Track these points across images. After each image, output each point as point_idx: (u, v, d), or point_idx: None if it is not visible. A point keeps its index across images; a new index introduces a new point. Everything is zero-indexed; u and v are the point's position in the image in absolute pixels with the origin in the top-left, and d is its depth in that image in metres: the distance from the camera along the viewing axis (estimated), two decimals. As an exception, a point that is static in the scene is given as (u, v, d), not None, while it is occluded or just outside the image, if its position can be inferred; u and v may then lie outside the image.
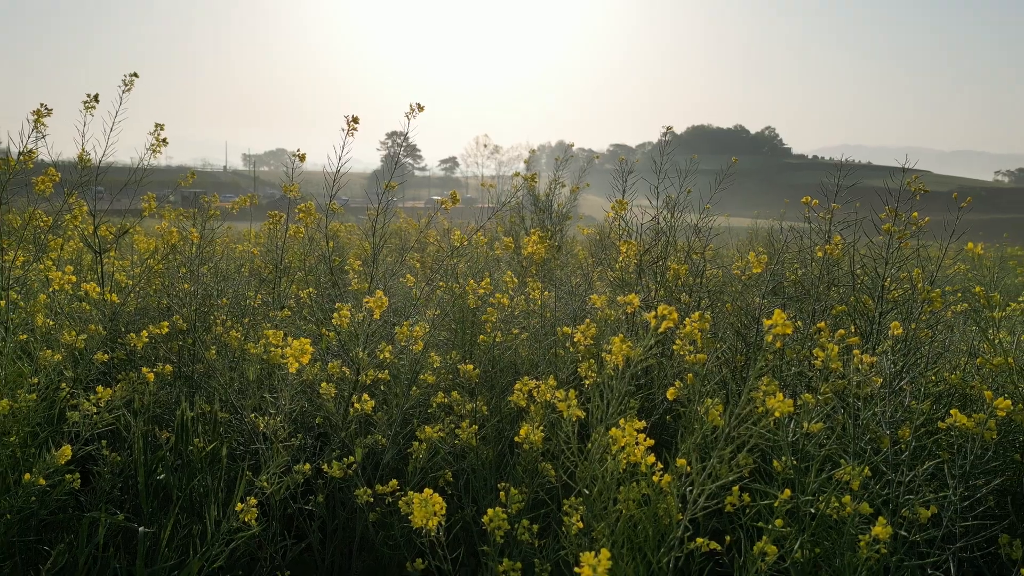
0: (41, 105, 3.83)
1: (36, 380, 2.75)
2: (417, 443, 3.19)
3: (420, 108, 4.12)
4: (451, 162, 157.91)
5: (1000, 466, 2.86)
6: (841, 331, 2.68)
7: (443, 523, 2.25)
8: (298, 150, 4.80)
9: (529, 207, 8.21)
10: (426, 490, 2.17)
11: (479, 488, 3.19)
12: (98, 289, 3.21)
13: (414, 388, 3.43)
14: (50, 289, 2.97)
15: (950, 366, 3.64)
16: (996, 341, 3.29)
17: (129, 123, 4.49)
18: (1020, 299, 5.39)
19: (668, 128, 5.85)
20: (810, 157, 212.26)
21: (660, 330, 2.14)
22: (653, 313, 2.14)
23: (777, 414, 1.98)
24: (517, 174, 8.49)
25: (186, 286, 4.39)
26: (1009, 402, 2.46)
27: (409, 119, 4.15)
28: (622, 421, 2.09)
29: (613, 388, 2.32)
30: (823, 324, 2.81)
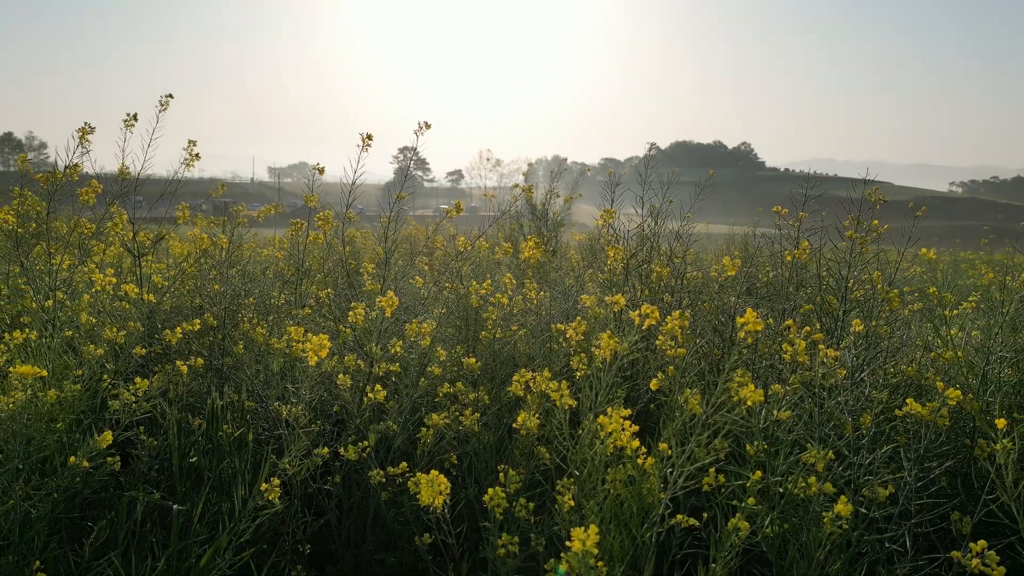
0: (85, 124, 3.83)
1: (80, 372, 2.75)
2: (425, 429, 3.19)
3: (427, 126, 4.13)
4: (457, 174, 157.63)
5: (951, 450, 2.87)
6: (807, 328, 2.69)
7: (448, 501, 2.25)
8: (317, 164, 4.82)
9: (527, 215, 8.22)
10: (432, 472, 2.18)
11: (481, 470, 3.19)
12: (136, 290, 3.21)
13: (422, 379, 3.43)
14: (93, 290, 2.97)
15: (907, 359, 3.63)
16: (948, 337, 3.30)
17: (164, 138, 4.49)
18: (971, 299, 5.38)
19: (653, 144, 5.85)
20: (782, 170, 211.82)
21: (644, 327, 2.14)
22: (637, 312, 2.14)
23: (749, 403, 1.98)
24: (516, 186, 8.49)
25: (216, 287, 4.39)
26: (959, 392, 2.46)
27: (418, 136, 4.16)
28: (610, 409, 2.09)
29: (601, 379, 2.32)
30: (791, 322, 2.81)
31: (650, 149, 5.61)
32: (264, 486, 2.70)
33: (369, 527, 3.33)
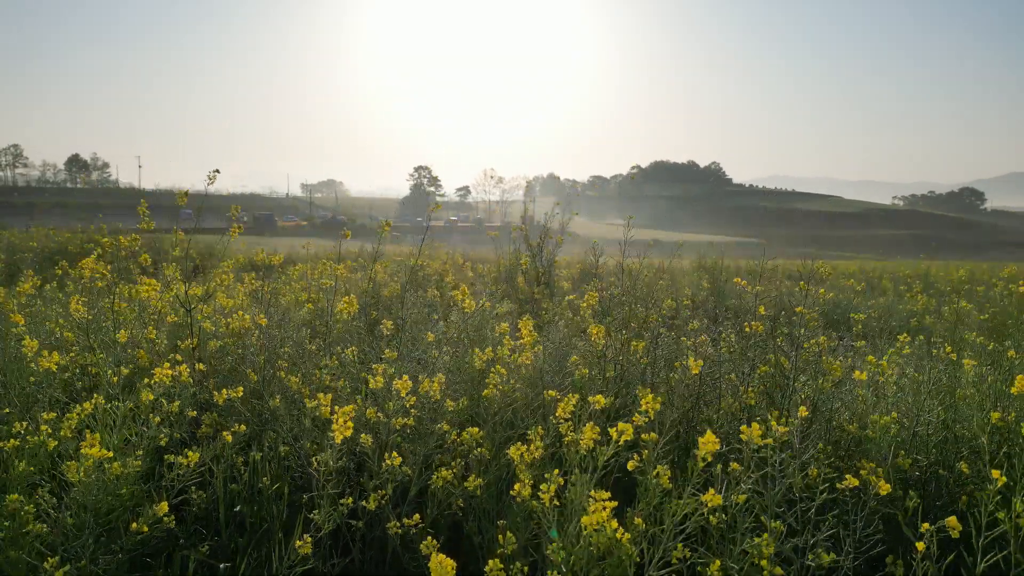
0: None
1: (140, 452, 2.79)
2: (436, 476, 3.24)
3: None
4: (465, 190, 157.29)
5: (884, 517, 2.87)
6: (760, 419, 2.70)
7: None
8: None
9: (524, 248, 8.33)
10: (440, 556, 2.18)
11: (482, 516, 3.23)
12: (188, 371, 3.25)
13: (432, 435, 3.47)
14: (153, 380, 3.01)
15: (848, 415, 3.62)
16: (883, 405, 3.32)
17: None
18: (902, 338, 5.32)
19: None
20: (747, 185, 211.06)
21: (620, 442, 2.17)
22: (614, 428, 2.17)
23: (710, 505, 2.01)
24: (515, 229, 8.54)
25: (255, 340, 4.43)
26: (889, 487, 2.47)
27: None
28: (591, 507, 2.11)
29: (585, 484, 2.34)
30: (751, 393, 2.83)
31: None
32: (298, 543, 2.73)
33: (388, 563, 3.36)
